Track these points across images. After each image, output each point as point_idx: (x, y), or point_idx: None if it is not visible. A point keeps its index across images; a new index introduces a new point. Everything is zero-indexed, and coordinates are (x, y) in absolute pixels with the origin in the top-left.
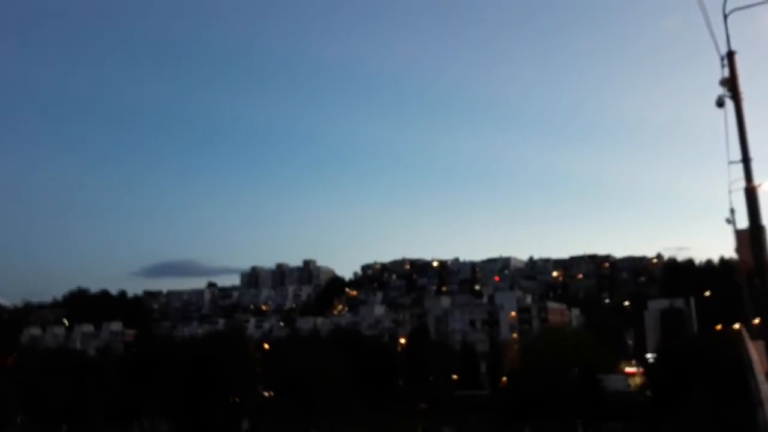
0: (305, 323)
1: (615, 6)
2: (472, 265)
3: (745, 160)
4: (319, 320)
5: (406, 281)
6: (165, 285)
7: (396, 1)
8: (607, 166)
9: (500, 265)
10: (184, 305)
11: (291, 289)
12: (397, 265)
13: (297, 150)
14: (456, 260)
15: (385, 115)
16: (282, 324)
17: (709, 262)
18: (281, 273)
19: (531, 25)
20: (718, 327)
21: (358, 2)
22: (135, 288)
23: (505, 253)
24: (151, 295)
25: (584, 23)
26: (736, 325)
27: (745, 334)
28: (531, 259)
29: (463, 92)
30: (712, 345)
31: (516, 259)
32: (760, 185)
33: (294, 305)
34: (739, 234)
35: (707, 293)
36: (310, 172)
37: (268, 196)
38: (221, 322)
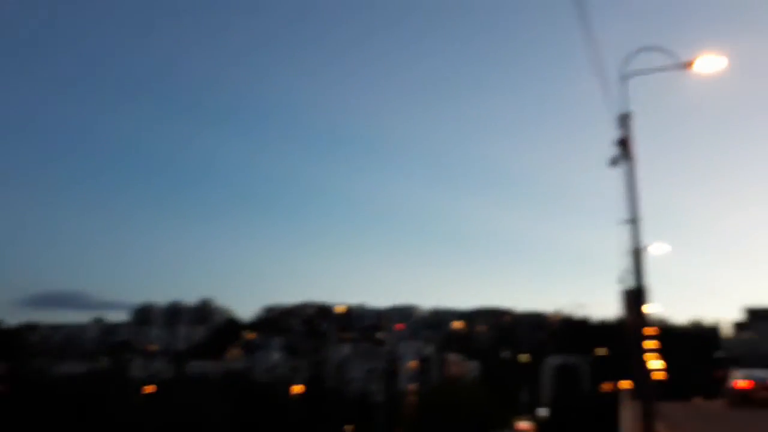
0: (197, 366)
1: (513, 68)
2: (377, 312)
3: (633, 221)
4: (212, 363)
5: (307, 326)
6: (48, 317)
7: (282, 37)
8: (513, 220)
9: (404, 313)
10: (65, 340)
11: (185, 328)
12: (299, 309)
13: (199, 181)
14: (361, 306)
15: (292, 151)
16: (171, 365)
17: (605, 320)
18: (175, 311)
19: (431, 83)
20: (608, 385)
21: (241, 36)
22: (14, 318)
23: (410, 301)
24: (30, 327)
25: (485, 86)
26: (625, 384)
27: (626, 394)
28: (435, 309)
29: (368, 133)
30: (599, 403)
31: (420, 308)
32: (646, 247)
33: (187, 346)
34: (623, 294)
35: (602, 351)
36: (213, 206)
37: (166, 227)
38: (105, 360)
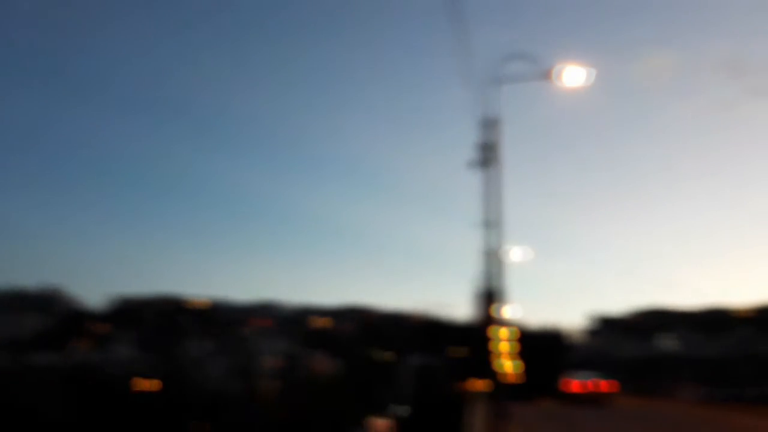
0: (40, 358)
1: (381, 66)
2: (240, 308)
3: (489, 224)
4: (56, 355)
5: (166, 320)
6: None
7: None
8: (381, 219)
9: (268, 309)
10: None
11: (26, 317)
12: (155, 301)
13: (53, 157)
14: (223, 301)
15: (148, 134)
16: (10, 357)
17: (466, 321)
18: (16, 297)
19: (291, 75)
20: (466, 385)
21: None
22: None
23: (275, 297)
24: None
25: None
26: (481, 384)
27: (481, 394)
28: (300, 306)
29: (226, 122)
30: (453, 402)
31: (285, 305)
32: (502, 250)
33: (27, 336)
34: (475, 295)
35: (461, 351)
36: (65, 184)
37: (10, 206)
38: None
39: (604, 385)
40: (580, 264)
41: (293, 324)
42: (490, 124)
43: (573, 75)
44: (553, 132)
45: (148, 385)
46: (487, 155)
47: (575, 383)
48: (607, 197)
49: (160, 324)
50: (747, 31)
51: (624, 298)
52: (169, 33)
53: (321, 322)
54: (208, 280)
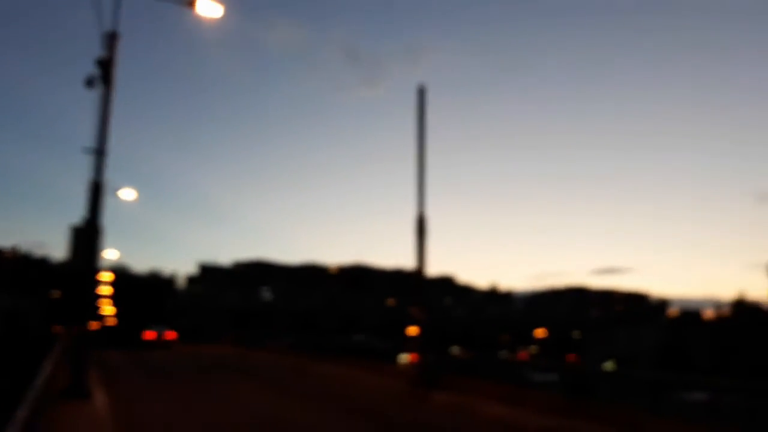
0: None
1: None
2: None
3: (100, 152)
4: None
5: None
6: None
7: None
8: None
9: None
10: None
11: None
12: None
13: None
14: None
15: None
16: None
17: (65, 261)
18: None
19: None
20: (61, 328)
21: None
22: None
23: None
24: None
25: None
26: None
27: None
28: None
29: None
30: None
31: None
32: (105, 184)
33: None
34: (72, 231)
35: (60, 293)
36: None
37: None
38: None
39: (169, 334)
40: (190, 212)
41: None
42: (108, 40)
43: (207, 7)
44: (182, 74)
45: None
46: (103, 73)
47: (149, 333)
48: (227, 151)
49: None
50: (366, 24)
51: (230, 249)
52: None
53: None
54: None
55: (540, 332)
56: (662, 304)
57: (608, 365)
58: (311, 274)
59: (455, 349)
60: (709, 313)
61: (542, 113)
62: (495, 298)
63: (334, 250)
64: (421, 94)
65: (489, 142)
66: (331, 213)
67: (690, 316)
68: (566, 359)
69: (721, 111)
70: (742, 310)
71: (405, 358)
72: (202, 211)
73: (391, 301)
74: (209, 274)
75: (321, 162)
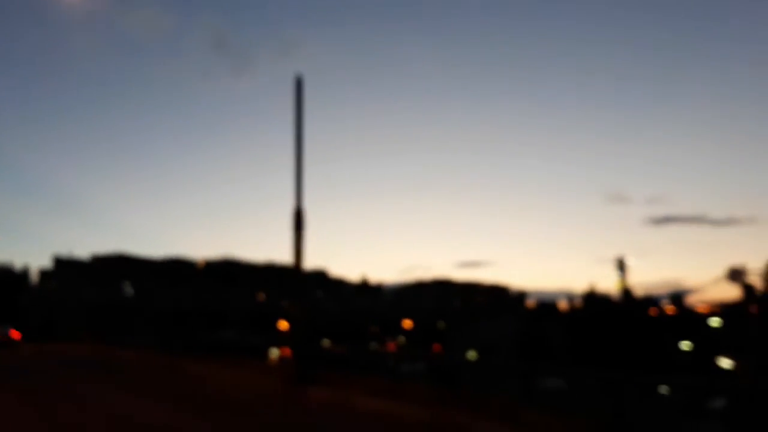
0: None
1: None
2: None
3: None
4: None
5: None
6: None
7: None
8: None
9: None
10: None
11: None
12: None
13: None
14: None
15: None
16: None
17: None
18: None
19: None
20: None
21: None
22: None
23: None
24: None
25: None
26: None
27: None
28: None
29: None
30: None
31: None
32: None
33: None
34: None
35: None
36: None
37: None
38: None
39: (14, 333)
40: (44, 203)
41: None
42: None
43: None
44: (37, 58)
45: None
46: None
47: None
48: (85, 140)
49: None
50: (236, 12)
51: (89, 243)
52: None
53: None
54: None
55: (407, 323)
56: (521, 296)
57: (471, 354)
58: (177, 269)
59: (326, 342)
60: (563, 305)
61: (413, 113)
62: (365, 290)
63: (202, 244)
64: (299, 83)
65: (360, 138)
66: (198, 206)
67: (546, 307)
68: (432, 349)
69: (574, 116)
70: (593, 301)
71: (277, 353)
72: (57, 202)
73: (261, 296)
74: (65, 268)
75: (188, 152)
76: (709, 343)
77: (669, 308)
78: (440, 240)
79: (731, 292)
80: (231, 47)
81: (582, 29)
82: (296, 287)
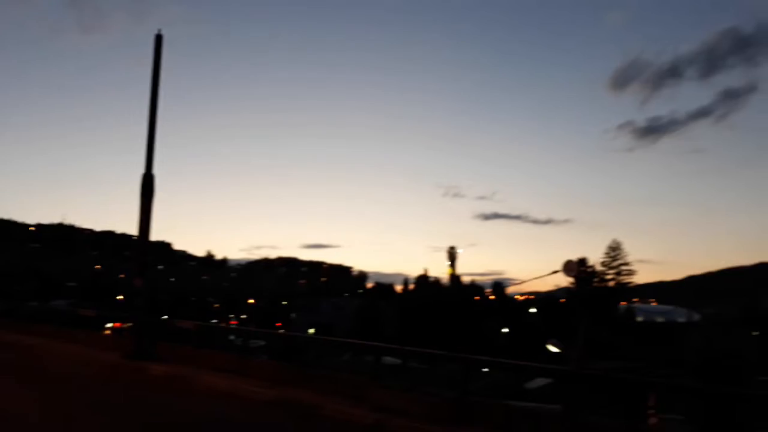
0: None
1: None
2: None
3: None
4: None
5: None
6: None
7: None
8: None
9: None
10: None
11: None
12: None
13: None
14: None
15: None
16: None
17: None
18: None
19: None
20: None
21: None
22: None
23: None
24: None
25: None
26: None
27: None
28: None
29: None
30: None
31: None
32: None
33: None
34: None
35: None
36: None
37: None
38: None
39: None
40: None
41: None
42: None
43: None
44: None
45: None
46: None
47: None
48: None
49: None
50: None
51: None
52: None
53: None
54: None
55: (251, 300)
56: (362, 277)
57: (311, 332)
58: (3, 231)
59: (165, 317)
60: (398, 287)
61: (268, 96)
62: (210, 265)
63: (36, 209)
64: (159, 41)
65: (214, 116)
66: (33, 169)
67: (384, 288)
68: (275, 326)
69: (420, 115)
70: (425, 284)
71: (113, 326)
72: None
73: (98, 266)
74: None
75: (29, 110)
76: (526, 328)
77: (491, 296)
78: (288, 222)
79: (545, 285)
80: (83, 3)
81: (435, 33)
82: (140, 257)
